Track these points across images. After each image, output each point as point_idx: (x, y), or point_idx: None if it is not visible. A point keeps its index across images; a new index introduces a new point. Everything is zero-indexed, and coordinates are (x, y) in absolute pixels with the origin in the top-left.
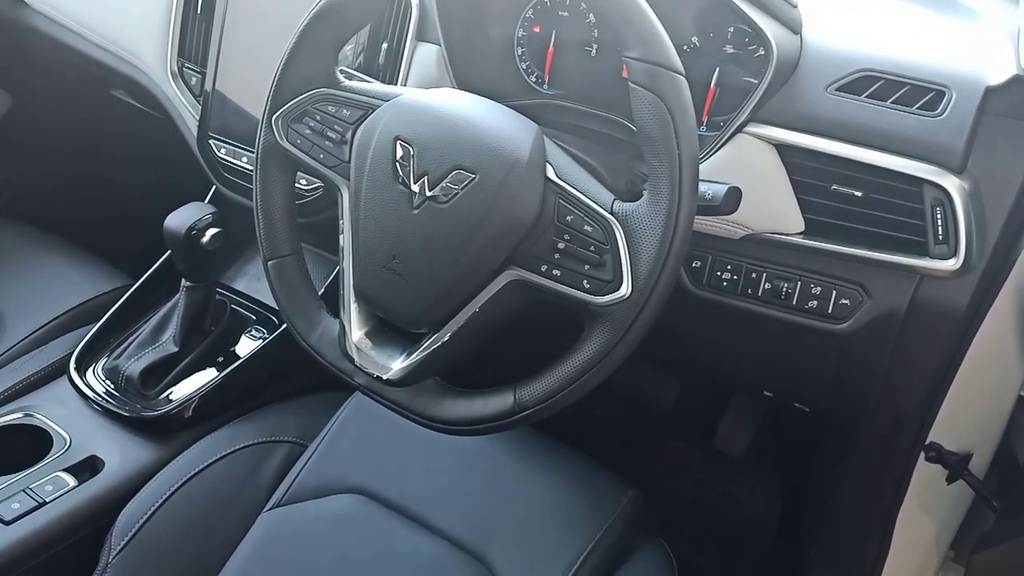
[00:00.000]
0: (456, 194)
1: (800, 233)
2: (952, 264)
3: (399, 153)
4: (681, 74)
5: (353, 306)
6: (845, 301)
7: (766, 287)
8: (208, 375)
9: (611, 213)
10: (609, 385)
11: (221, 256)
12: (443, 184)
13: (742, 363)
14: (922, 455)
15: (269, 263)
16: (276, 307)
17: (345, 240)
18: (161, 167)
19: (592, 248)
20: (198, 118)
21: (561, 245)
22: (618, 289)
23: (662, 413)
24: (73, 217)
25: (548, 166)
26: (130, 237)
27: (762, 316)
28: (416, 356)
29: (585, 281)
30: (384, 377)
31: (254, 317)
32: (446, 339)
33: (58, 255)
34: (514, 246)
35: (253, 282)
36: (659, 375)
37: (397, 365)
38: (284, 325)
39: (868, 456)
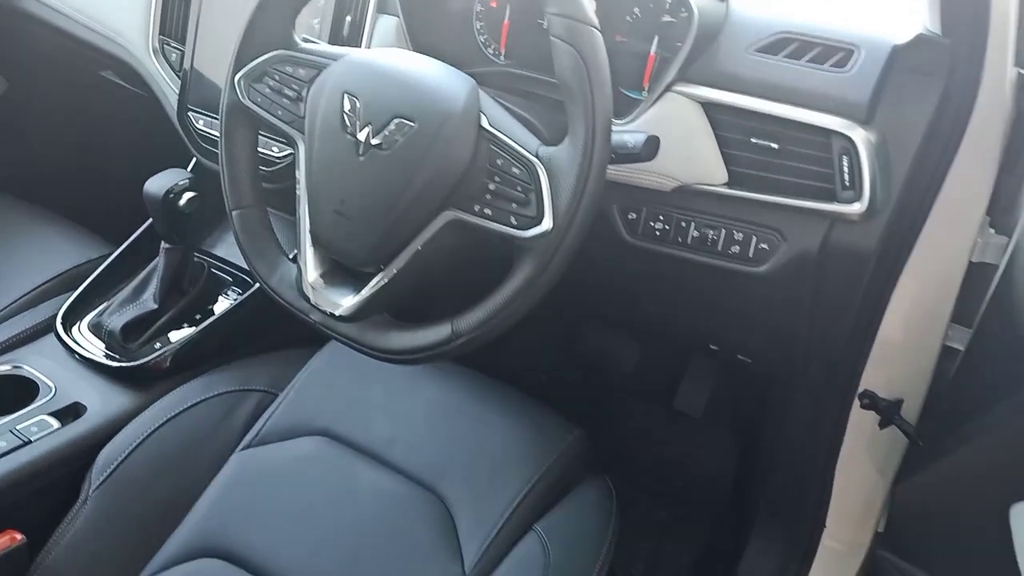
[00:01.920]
0: (397, 141)
1: (724, 184)
2: (858, 208)
3: (346, 106)
4: (595, 27)
5: (308, 250)
6: (764, 246)
7: (694, 235)
8: (186, 331)
9: (536, 156)
10: (575, 350)
11: (201, 224)
12: (385, 133)
13: (683, 315)
14: (857, 402)
15: (234, 212)
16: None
17: (301, 189)
18: (146, 143)
19: (519, 188)
20: (178, 92)
21: (492, 187)
22: (541, 223)
23: (624, 376)
24: (63, 192)
25: (481, 116)
26: (117, 209)
27: (692, 263)
28: (365, 294)
29: (513, 218)
30: (336, 314)
31: (231, 279)
32: (391, 276)
33: (47, 226)
34: (450, 188)
35: (231, 248)
36: (620, 340)
37: (348, 302)
38: (258, 284)
39: (806, 406)
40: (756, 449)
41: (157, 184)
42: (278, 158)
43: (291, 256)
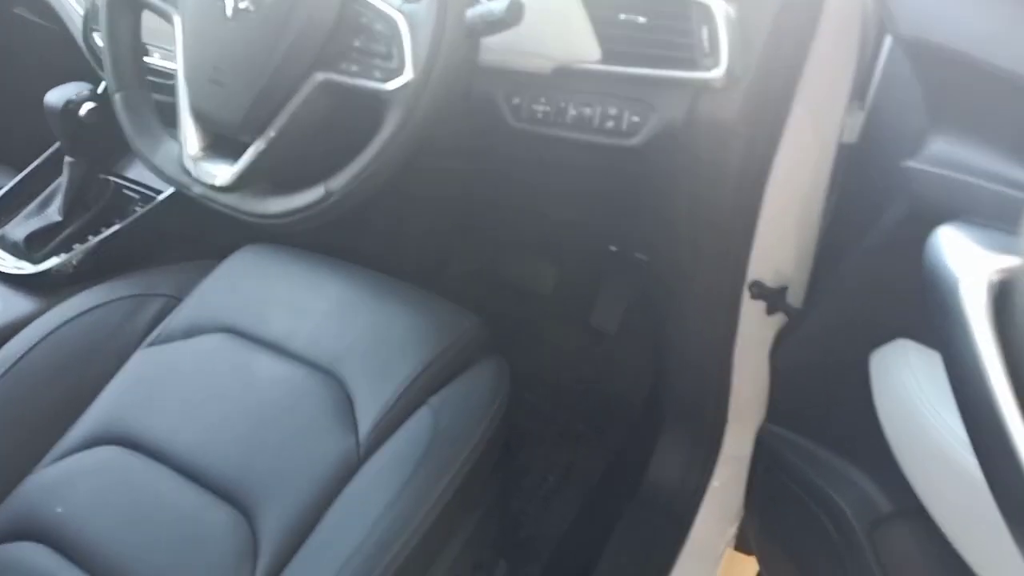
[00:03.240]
0: (264, 3)
1: (598, 61)
2: (717, 74)
3: None
4: None
5: (188, 124)
6: (635, 118)
7: (573, 114)
8: (91, 242)
9: (398, 11)
10: (494, 275)
11: (112, 146)
12: None
13: (577, 208)
14: (747, 294)
15: (116, 95)
16: (160, 189)
17: (178, 64)
18: (60, 78)
19: (382, 43)
20: (83, 15)
21: (357, 44)
22: (402, 74)
23: (543, 299)
24: None
25: None
26: (27, 140)
27: (574, 143)
28: (243, 162)
29: (377, 72)
30: (216, 184)
31: (138, 197)
32: (269, 143)
33: None
34: (318, 49)
35: (143, 170)
36: (537, 264)
37: (227, 173)
38: (164, 194)
39: (700, 302)
40: (664, 356)
41: (57, 95)
42: None
43: (166, 130)
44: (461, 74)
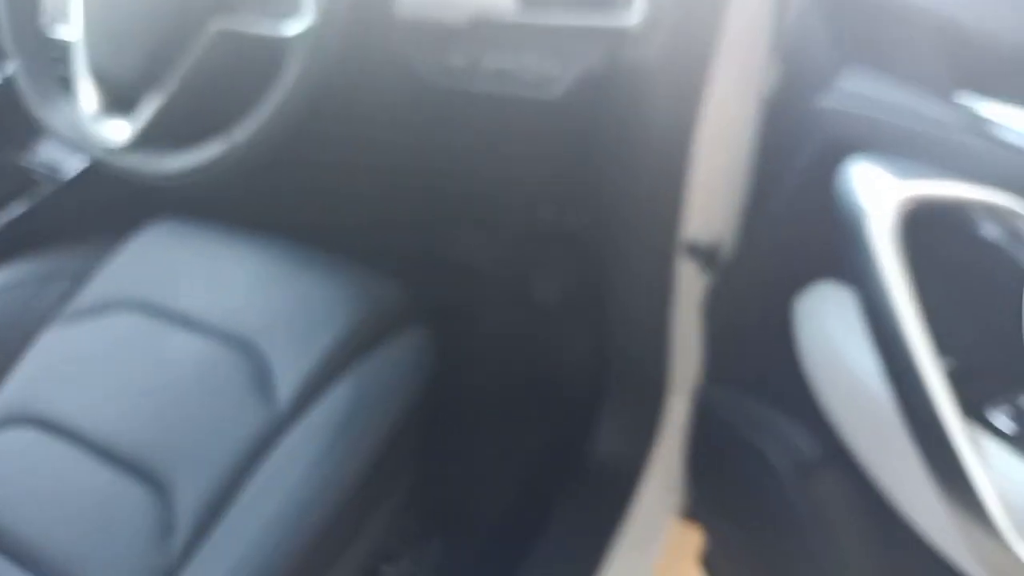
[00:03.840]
0: None
1: (514, 10)
2: (634, 20)
3: None
4: None
5: (86, 83)
6: (555, 70)
7: (490, 68)
8: None
9: None
10: (430, 252)
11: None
12: None
13: (500, 170)
14: (682, 253)
15: (16, 60)
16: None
17: (74, 20)
18: None
19: None
20: None
21: None
22: (302, 19)
23: (482, 277)
24: None
25: None
26: None
27: (493, 99)
28: (142, 118)
29: (277, 17)
30: (116, 143)
31: (44, 179)
32: (168, 96)
33: None
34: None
35: (50, 151)
36: (474, 240)
37: (126, 132)
38: (70, 174)
39: (637, 266)
40: (605, 325)
41: None
42: None
43: (65, 93)
44: (372, 22)
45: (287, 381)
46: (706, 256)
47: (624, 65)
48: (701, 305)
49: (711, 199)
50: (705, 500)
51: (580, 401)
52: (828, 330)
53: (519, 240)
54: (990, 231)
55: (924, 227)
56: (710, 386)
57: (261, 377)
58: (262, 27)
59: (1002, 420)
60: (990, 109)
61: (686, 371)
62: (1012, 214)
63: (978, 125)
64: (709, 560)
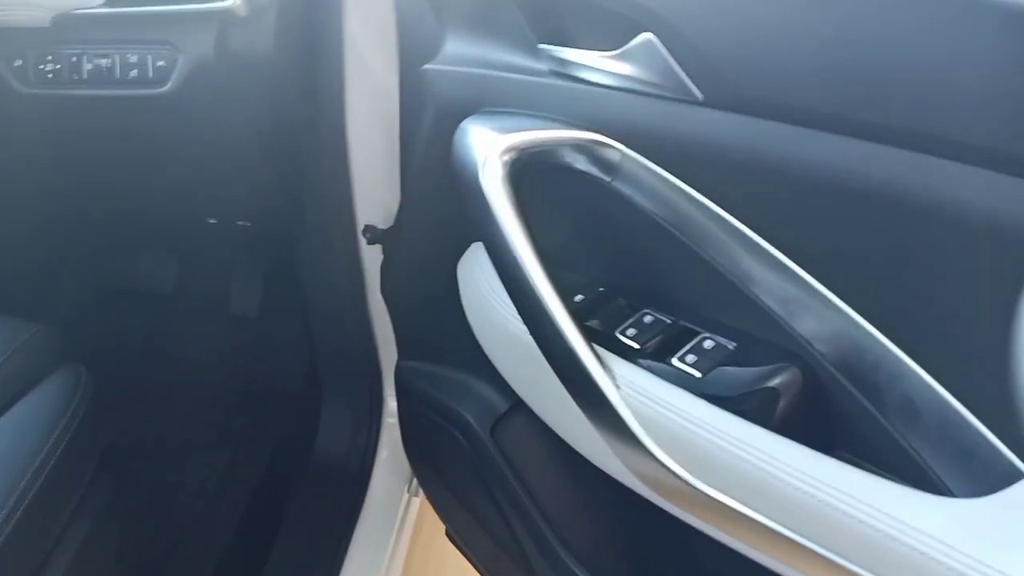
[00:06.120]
0: None
1: (101, 3)
2: (236, 2)
3: None
4: None
5: None
6: (161, 63)
7: (89, 68)
8: None
9: None
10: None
11: None
12: None
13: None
14: (363, 241)
15: None
16: None
17: None
18: None
19: None
20: None
21: None
22: None
23: (168, 298)
24: None
25: None
26: None
27: (101, 101)
28: None
29: None
30: None
31: None
32: None
33: None
34: None
35: None
36: (153, 259)
37: None
38: None
39: (323, 259)
40: (310, 326)
41: None
42: None
43: None
44: None
45: None
46: (384, 238)
47: (237, 51)
48: (380, 284)
49: (377, 177)
50: (422, 473)
51: (301, 403)
52: (480, 287)
53: (205, 253)
54: (580, 163)
55: (533, 173)
56: (405, 364)
57: None
58: None
59: (628, 337)
60: (569, 54)
61: (393, 355)
62: (594, 143)
63: (561, 68)
64: (449, 532)
